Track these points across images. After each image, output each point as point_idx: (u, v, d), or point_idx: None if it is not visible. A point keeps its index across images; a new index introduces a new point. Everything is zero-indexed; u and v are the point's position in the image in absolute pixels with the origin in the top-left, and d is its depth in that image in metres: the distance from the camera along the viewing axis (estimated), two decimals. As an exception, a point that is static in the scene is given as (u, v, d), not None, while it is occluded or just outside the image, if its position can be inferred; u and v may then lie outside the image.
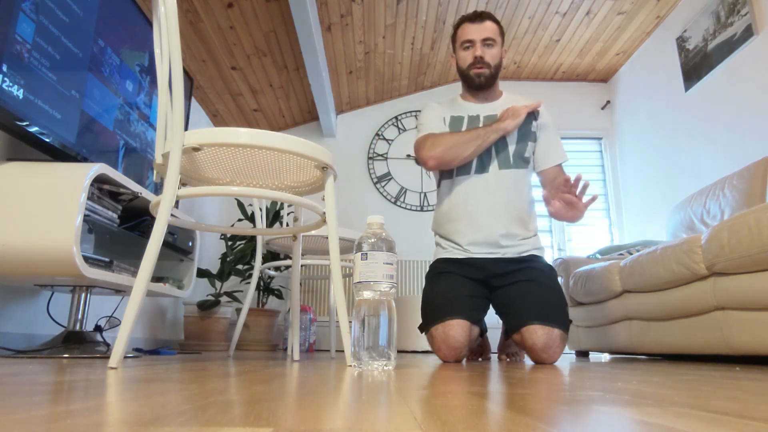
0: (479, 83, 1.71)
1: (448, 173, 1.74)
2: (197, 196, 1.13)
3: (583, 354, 2.90)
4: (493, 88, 1.76)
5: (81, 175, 1.35)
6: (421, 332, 1.64)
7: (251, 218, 3.19)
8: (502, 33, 1.74)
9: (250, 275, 2.15)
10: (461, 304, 1.59)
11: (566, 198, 1.51)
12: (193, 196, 1.12)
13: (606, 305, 2.39)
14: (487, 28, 1.69)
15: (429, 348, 3.26)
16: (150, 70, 2.05)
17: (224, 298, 3.03)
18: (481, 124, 1.70)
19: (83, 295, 1.61)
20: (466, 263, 1.67)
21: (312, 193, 1.37)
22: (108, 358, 0.97)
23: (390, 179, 4.14)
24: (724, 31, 2.86)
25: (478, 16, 1.71)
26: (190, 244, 2.11)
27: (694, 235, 1.79)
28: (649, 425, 0.34)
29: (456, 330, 1.53)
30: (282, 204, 3.18)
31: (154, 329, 2.68)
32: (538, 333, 1.50)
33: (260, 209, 2.30)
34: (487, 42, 1.68)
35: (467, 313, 1.57)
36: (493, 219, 1.66)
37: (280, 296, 3.44)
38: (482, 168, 1.69)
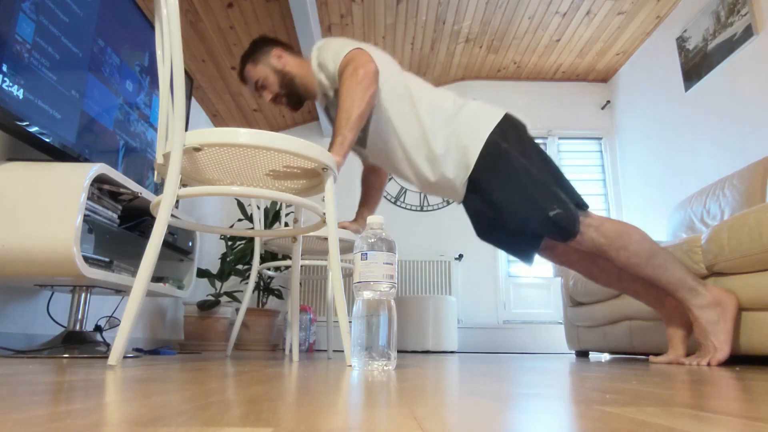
0: (293, 107, 1.66)
1: None
2: (197, 195, 1.13)
3: (583, 354, 2.90)
4: (308, 91, 1.61)
5: (81, 175, 1.35)
6: None
7: (251, 218, 3.19)
8: (258, 56, 1.61)
9: (250, 275, 2.16)
10: None
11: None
12: (193, 196, 1.12)
13: (606, 305, 2.39)
14: (249, 79, 1.63)
15: (429, 348, 3.26)
16: (150, 70, 2.05)
17: (224, 298, 3.03)
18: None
19: (83, 295, 1.61)
20: None
21: (312, 194, 1.37)
22: (108, 358, 0.97)
23: (390, 179, 4.14)
24: (724, 31, 2.86)
25: (241, 78, 1.68)
26: (190, 244, 2.11)
27: (694, 235, 1.79)
28: (649, 425, 0.34)
29: None
30: (281, 204, 3.18)
31: (154, 329, 2.68)
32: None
33: (258, 207, 2.30)
34: (258, 86, 1.63)
35: None
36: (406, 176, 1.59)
37: (279, 296, 3.44)
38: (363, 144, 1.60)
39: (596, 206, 4.17)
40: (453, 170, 1.50)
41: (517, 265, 4.04)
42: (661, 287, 1.49)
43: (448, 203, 4.11)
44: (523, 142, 1.49)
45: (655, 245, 1.48)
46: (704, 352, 1.45)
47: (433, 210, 4.12)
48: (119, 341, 0.97)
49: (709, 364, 1.41)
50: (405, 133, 1.50)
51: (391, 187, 4.12)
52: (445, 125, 1.49)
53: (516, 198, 1.44)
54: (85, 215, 1.36)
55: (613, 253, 1.45)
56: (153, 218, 1.07)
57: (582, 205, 1.48)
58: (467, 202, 1.58)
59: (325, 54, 1.49)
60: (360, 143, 1.59)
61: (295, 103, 1.64)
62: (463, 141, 1.47)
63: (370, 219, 1.09)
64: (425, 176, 1.53)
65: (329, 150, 1.28)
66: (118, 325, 1.88)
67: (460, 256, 3.93)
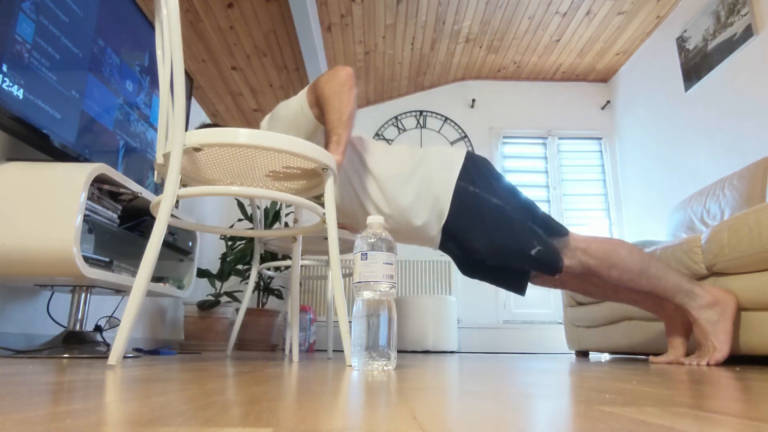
0: None
1: None
2: (197, 195, 1.13)
3: (583, 354, 2.90)
4: None
5: (81, 175, 1.35)
6: None
7: (251, 218, 3.19)
8: None
9: (250, 275, 2.16)
10: None
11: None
12: (193, 196, 1.12)
13: (606, 305, 2.39)
14: None
15: (429, 348, 3.26)
16: (150, 70, 2.05)
17: (224, 298, 3.03)
18: None
19: (83, 295, 1.61)
20: None
21: (312, 194, 1.37)
22: (108, 358, 0.97)
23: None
24: (724, 31, 2.86)
25: None
26: (190, 244, 2.10)
27: (694, 235, 1.79)
28: (649, 425, 0.34)
29: None
30: (281, 204, 3.18)
31: (154, 329, 2.68)
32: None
33: (258, 207, 2.30)
34: None
35: None
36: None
37: (280, 296, 3.44)
38: None
39: (596, 206, 4.17)
40: (423, 218, 1.45)
41: (517, 265, 4.04)
42: (658, 295, 1.48)
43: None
44: (490, 180, 1.45)
45: (645, 256, 1.46)
46: (704, 352, 1.46)
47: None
48: (119, 341, 0.97)
49: (708, 364, 1.41)
50: (364, 192, 1.47)
51: (391, 187, 4.12)
52: (408, 179, 1.45)
53: (495, 242, 1.41)
54: (85, 215, 1.36)
55: (604, 272, 1.44)
56: (153, 218, 1.07)
57: (561, 232, 1.45)
58: (446, 248, 1.54)
59: (282, 110, 1.43)
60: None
61: None
62: (431, 191, 1.43)
63: (370, 219, 1.09)
64: (393, 229, 1.50)
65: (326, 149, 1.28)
66: (118, 325, 1.88)
67: (460, 256, 3.93)
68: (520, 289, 1.61)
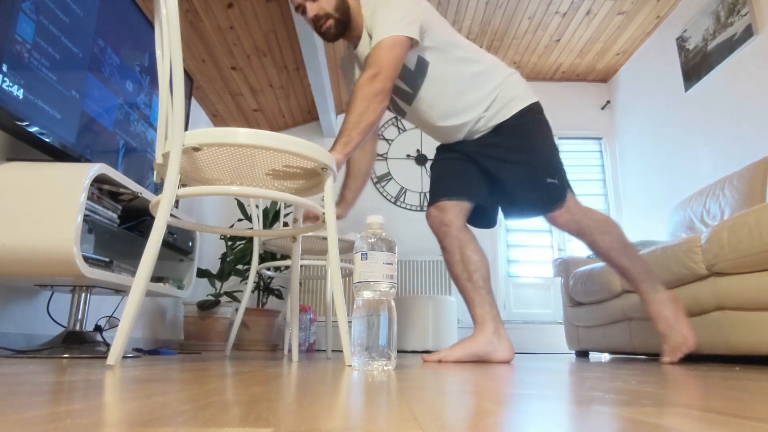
0: (331, 37, 1.58)
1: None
2: (197, 195, 1.13)
3: (583, 354, 2.90)
4: (351, 28, 1.58)
5: (81, 175, 1.35)
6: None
7: (251, 218, 3.19)
8: None
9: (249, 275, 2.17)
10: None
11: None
12: (192, 196, 1.12)
13: (606, 305, 2.39)
14: None
15: (429, 348, 3.26)
16: (150, 70, 2.05)
17: (224, 298, 3.03)
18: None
19: (83, 295, 1.61)
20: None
21: (311, 194, 1.37)
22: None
23: (390, 179, 4.14)
24: (724, 31, 2.86)
25: None
26: (190, 244, 2.10)
27: (694, 235, 1.79)
28: (649, 425, 0.34)
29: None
30: (281, 204, 3.18)
31: (154, 329, 2.68)
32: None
33: (256, 206, 2.30)
34: None
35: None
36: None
37: (280, 296, 3.44)
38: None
39: (596, 206, 4.15)
40: (485, 122, 1.62)
41: (516, 265, 4.04)
42: (630, 277, 1.63)
43: (448, 203, 4.11)
44: (547, 124, 1.69)
45: (629, 241, 1.66)
46: (675, 343, 1.58)
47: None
48: (118, 341, 0.97)
49: (688, 351, 1.56)
50: (454, 98, 1.60)
51: (391, 187, 4.12)
52: (493, 90, 1.61)
53: (527, 159, 1.58)
54: (85, 215, 1.36)
55: (598, 236, 1.60)
56: (153, 218, 1.07)
57: (570, 188, 1.62)
58: (482, 155, 1.65)
59: (375, 22, 1.47)
60: (406, 100, 1.65)
61: (340, 31, 1.57)
62: (510, 94, 1.61)
63: (370, 219, 1.09)
64: (455, 136, 1.67)
65: (332, 147, 1.28)
66: (117, 325, 1.88)
67: (460, 256, 3.92)
68: (489, 221, 1.82)
